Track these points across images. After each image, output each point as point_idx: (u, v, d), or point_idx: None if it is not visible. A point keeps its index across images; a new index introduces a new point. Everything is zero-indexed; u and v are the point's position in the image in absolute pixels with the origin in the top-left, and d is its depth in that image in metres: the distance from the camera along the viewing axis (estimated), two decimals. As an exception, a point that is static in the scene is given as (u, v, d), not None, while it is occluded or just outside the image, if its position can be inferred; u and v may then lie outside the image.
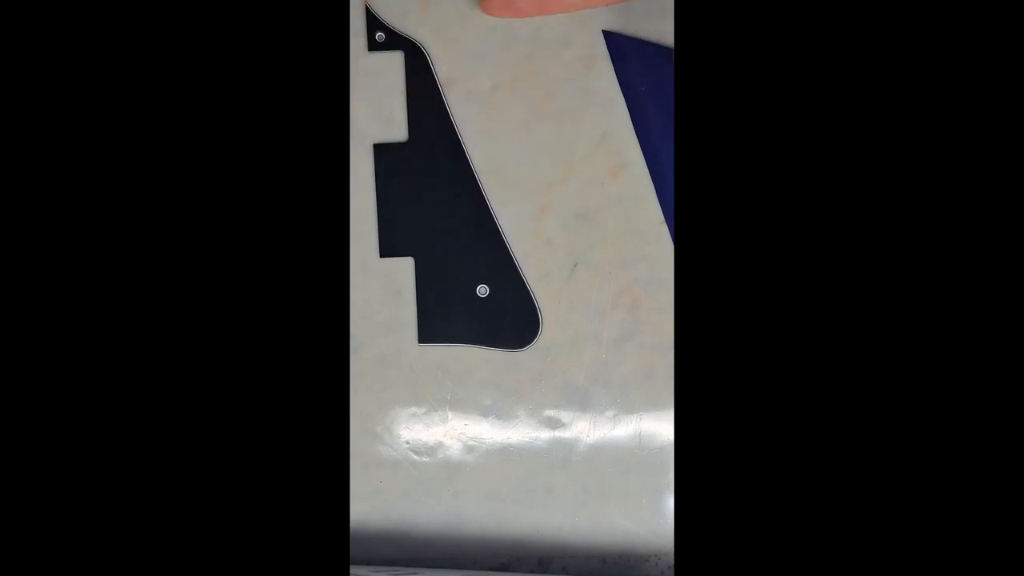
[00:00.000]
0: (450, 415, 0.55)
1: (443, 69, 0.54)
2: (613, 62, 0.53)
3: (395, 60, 0.54)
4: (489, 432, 0.54)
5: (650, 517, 0.54)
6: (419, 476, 0.55)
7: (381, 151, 0.54)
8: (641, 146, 0.54)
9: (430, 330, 0.54)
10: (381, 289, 0.55)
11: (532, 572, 0.55)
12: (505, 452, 0.54)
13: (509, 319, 0.54)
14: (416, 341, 0.54)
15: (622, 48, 0.53)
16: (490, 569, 0.55)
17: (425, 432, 0.55)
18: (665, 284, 0.53)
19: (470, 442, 0.54)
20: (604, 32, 0.53)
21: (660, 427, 0.54)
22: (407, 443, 0.55)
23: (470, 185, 0.54)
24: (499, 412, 0.54)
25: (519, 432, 0.54)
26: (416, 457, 0.55)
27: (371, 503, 0.55)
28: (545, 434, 0.54)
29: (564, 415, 0.54)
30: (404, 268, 0.54)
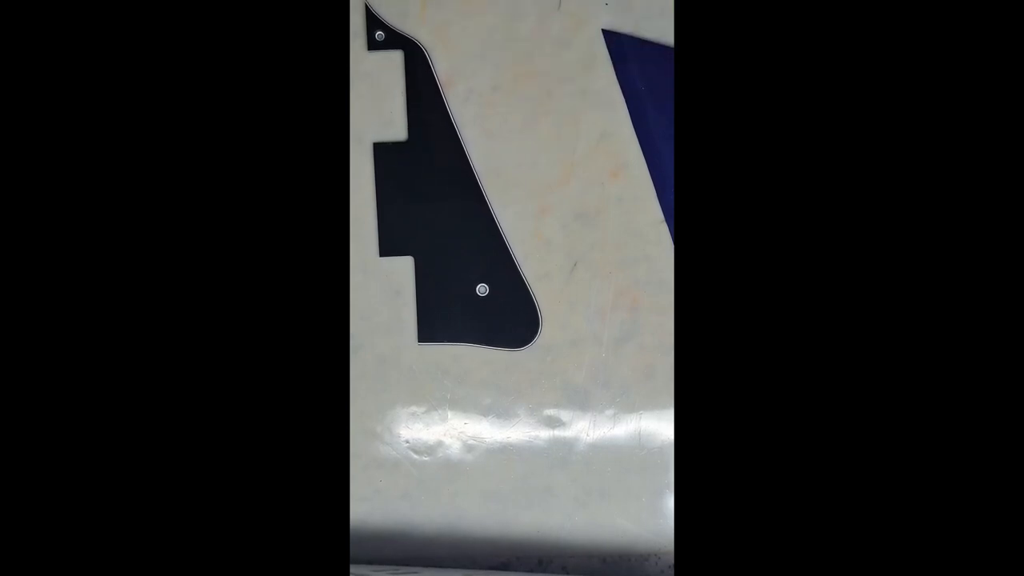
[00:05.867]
0: (450, 415, 0.55)
1: (443, 69, 0.54)
2: (613, 62, 0.53)
3: (395, 60, 0.54)
4: (489, 432, 0.54)
5: (650, 517, 0.54)
6: (419, 476, 0.55)
7: (381, 151, 0.54)
8: (641, 146, 0.54)
9: (430, 329, 0.54)
10: (381, 289, 0.55)
11: (532, 572, 0.55)
12: (505, 452, 0.54)
13: (509, 318, 0.54)
14: (416, 341, 0.54)
15: (622, 48, 0.53)
16: (490, 569, 0.55)
17: (425, 432, 0.55)
18: (665, 284, 0.53)
19: (470, 441, 0.54)
20: (604, 32, 0.53)
21: (660, 427, 0.54)
22: (407, 443, 0.55)
23: (470, 185, 0.54)
24: (499, 412, 0.54)
25: (519, 432, 0.54)
26: (416, 457, 0.55)
27: (371, 503, 0.55)
28: (545, 434, 0.54)
29: (564, 415, 0.54)
30: (404, 268, 0.54)
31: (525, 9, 0.54)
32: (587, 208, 0.54)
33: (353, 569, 0.49)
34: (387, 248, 0.54)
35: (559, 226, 0.54)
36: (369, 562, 0.54)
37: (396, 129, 0.54)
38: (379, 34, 0.54)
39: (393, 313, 0.54)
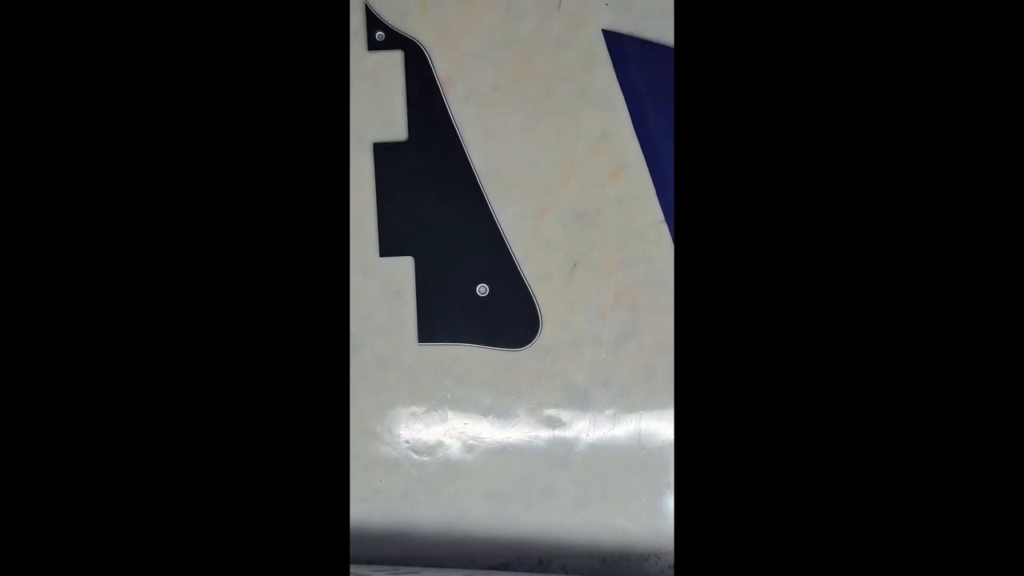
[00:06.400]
0: (450, 415, 0.55)
1: (443, 69, 0.54)
2: (613, 62, 0.53)
3: (395, 60, 0.54)
4: (489, 432, 0.54)
5: (650, 517, 0.54)
6: (419, 476, 0.55)
7: (381, 151, 0.54)
8: (641, 146, 0.54)
9: (430, 329, 0.54)
10: (381, 289, 0.55)
11: (532, 572, 0.55)
12: (505, 452, 0.54)
13: (509, 318, 0.54)
14: (416, 341, 0.54)
15: (622, 48, 0.53)
16: (490, 569, 0.55)
17: (425, 432, 0.55)
18: (665, 284, 0.53)
19: (470, 442, 0.55)
20: (604, 32, 0.53)
21: (660, 427, 0.54)
22: (407, 443, 0.55)
23: (470, 185, 0.54)
24: (499, 412, 0.54)
25: (519, 432, 0.54)
26: (416, 457, 0.55)
27: (371, 503, 0.55)
28: (545, 434, 0.54)
29: (564, 415, 0.54)
30: (404, 268, 0.54)
31: (525, 9, 0.54)
32: (587, 208, 0.54)
33: (353, 569, 0.49)
34: (387, 248, 0.54)
35: (559, 226, 0.54)
36: (369, 562, 0.54)
37: (396, 129, 0.54)
38: (379, 34, 0.54)
39: (393, 313, 0.54)
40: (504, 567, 0.55)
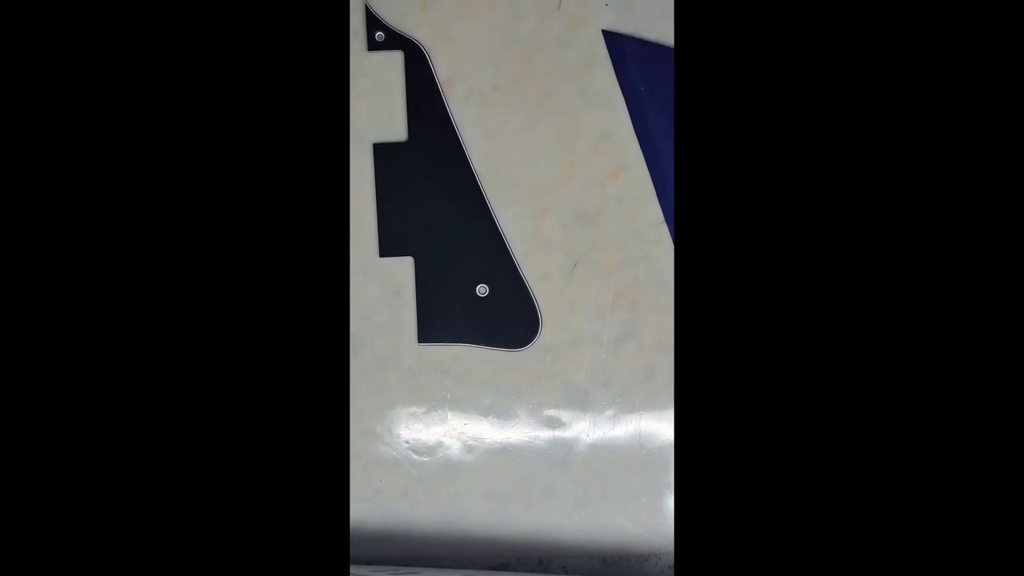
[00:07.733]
0: (450, 415, 0.55)
1: (443, 69, 0.54)
2: (613, 62, 0.53)
3: (395, 60, 0.54)
4: (489, 432, 0.54)
5: (650, 517, 0.54)
6: (419, 476, 0.55)
7: (381, 151, 0.54)
8: (641, 146, 0.54)
9: (430, 330, 0.54)
10: (381, 289, 0.55)
11: (532, 572, 0.55)
12: (505, 452, 0.54)
13: (509, 319, 0.54)
14: (416, 341, 0.54)
15: (622, 48, 0.53)
16: (490, 569, 0.55)
17: (425, 432, 0.55)
18: (665, 284, 0.53)
19: (470, 442, 0.55)
20: (604, 32, 0.53)
21: (660, 427, 0.54)
22: (407, 443, 0.55)
23: (470, 185, 0.54)
24: (499, 412, 0.54)
25: (519, 432, 0.54)
26: (416, 457, 0.55)
27: (371, 503, 0.55)
28: (545, 434, 0.54)
29: (564, 415, 0.54)
30: (404, 268, 0.54)
31: (525, 9, 0.54)
32: (587, 208, 0.54)
33: (353, 569, 0.49)
34: (387, 248, 0.54)
35: (559, 226, 0.54)
36: (369, 562, 0.54)
37: (396, 129, 0.54)
38: (379, 34, 0.54)
39: (393, 313, 0.54)
40: (504, 567, 0.55)
